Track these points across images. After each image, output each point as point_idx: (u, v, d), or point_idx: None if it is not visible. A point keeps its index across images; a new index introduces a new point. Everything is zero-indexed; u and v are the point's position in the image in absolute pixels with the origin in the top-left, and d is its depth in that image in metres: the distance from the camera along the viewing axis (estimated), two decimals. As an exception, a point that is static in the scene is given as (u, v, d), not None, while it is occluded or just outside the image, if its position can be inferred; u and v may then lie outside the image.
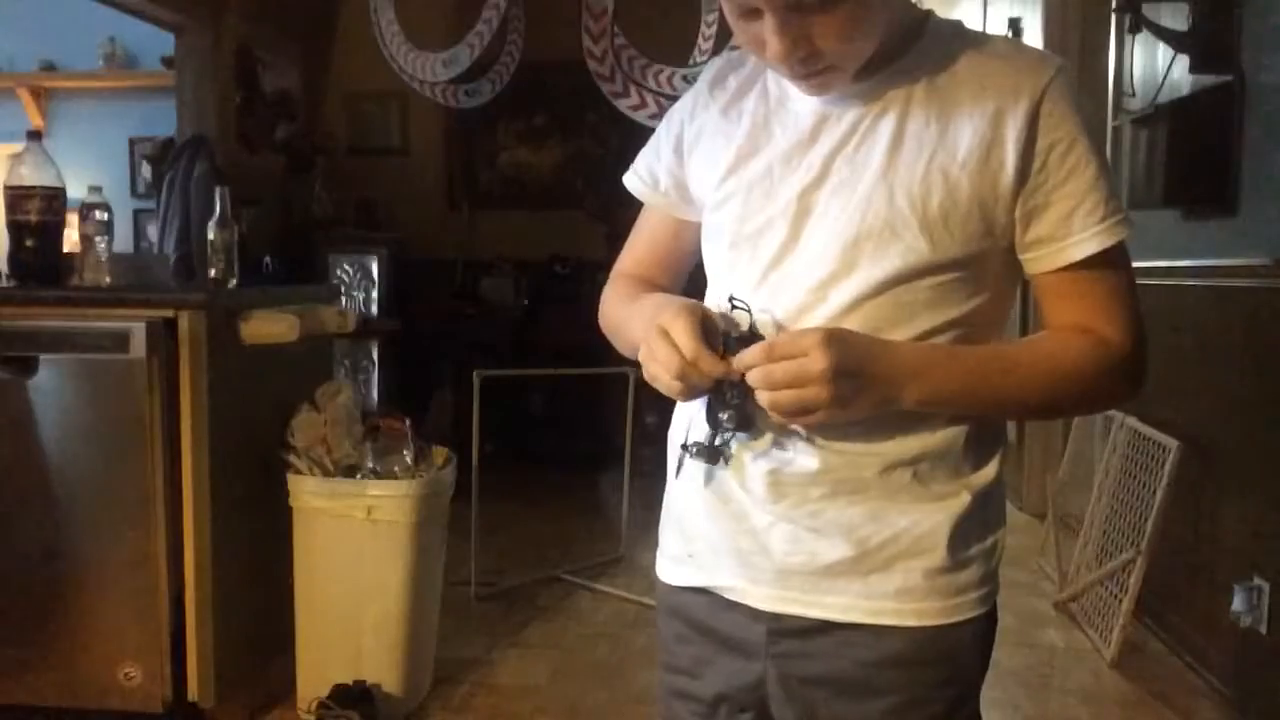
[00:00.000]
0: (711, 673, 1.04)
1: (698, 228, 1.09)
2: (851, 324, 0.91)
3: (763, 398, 0.88)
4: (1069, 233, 0.92)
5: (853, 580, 0.95)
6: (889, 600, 0.95)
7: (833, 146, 0.94)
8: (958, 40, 0.95)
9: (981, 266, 0.94)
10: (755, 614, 0.99)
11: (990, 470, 0.98)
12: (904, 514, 0.94)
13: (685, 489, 1.04)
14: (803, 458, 0.94)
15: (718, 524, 1.01)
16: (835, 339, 0.86)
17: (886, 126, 0.92)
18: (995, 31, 4.97)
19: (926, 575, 0.94)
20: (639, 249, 1.16)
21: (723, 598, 1.02)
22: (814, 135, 0.95)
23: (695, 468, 1.00)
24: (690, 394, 0.92)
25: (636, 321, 1.01)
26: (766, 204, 0.96)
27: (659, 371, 0.91)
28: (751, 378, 0.88)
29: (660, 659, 1.12)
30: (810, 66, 0.89)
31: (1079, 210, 0.92)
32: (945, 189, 0.90)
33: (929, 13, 0.97)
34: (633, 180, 1.14)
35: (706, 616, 1.04)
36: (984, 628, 0.99)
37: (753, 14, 0.87)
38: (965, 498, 0.96)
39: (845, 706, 0.98)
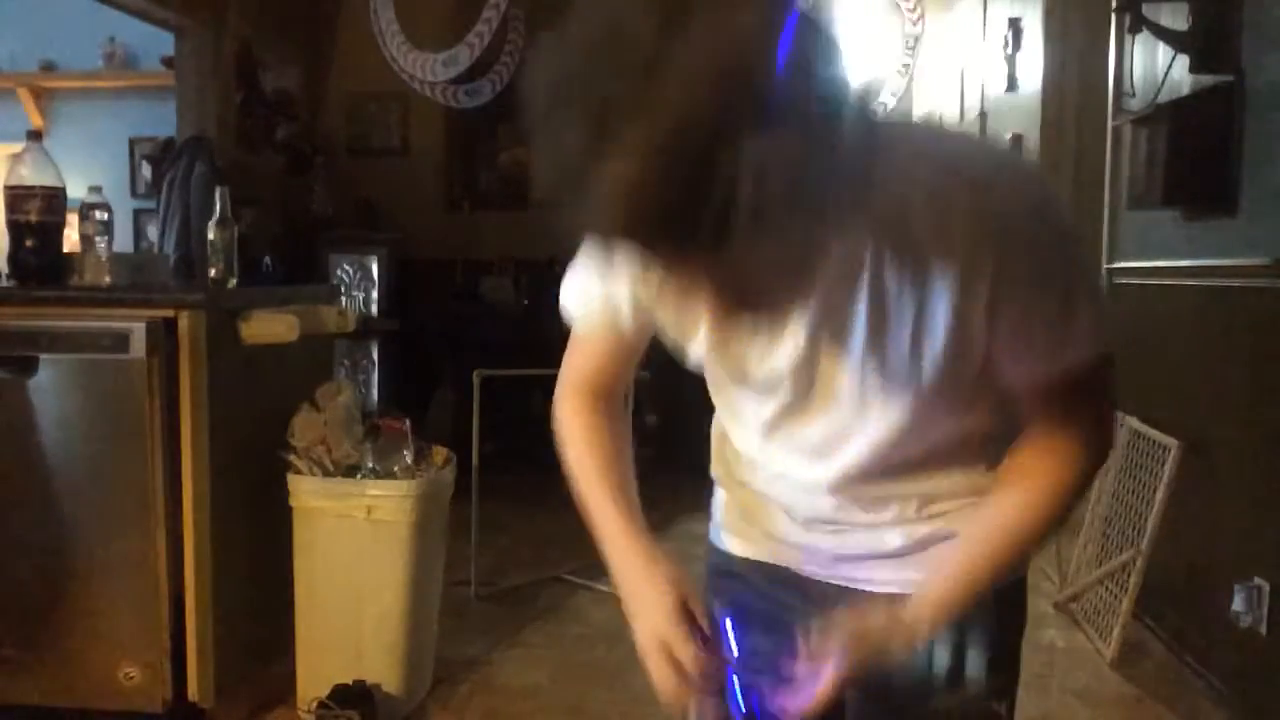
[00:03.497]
0: (773, 628, 1.07)
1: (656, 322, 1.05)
2: (867, 464, 0.96)
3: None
4: (1020, 356, 0.89)
5: (906, 559, 1.03)
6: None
7: (815, 322, 0.90)
8: (913, 160, 0.85)
9: (980, 388, 0.93)
10: (819, 583, 1.08)
11: None
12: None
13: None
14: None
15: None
16: (852, 659, 0.92)
17: (861, 300, 0.87)
18: (995, 32, 4.97)
19: None
20: (598, 358, 1.10)
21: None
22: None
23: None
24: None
25: (611, 549, 1.05)
26: (761, 366, 0.95)
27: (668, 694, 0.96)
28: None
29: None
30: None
31: (1042, 331, 0.88)
32: (933, 354, 0.88)
33: (874, 126, 0.77)
34: (583, 313, 1.05)
35: (769, 585, 1.11)
36: (1022, 585, 1.11)
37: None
38: None
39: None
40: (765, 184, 0.63)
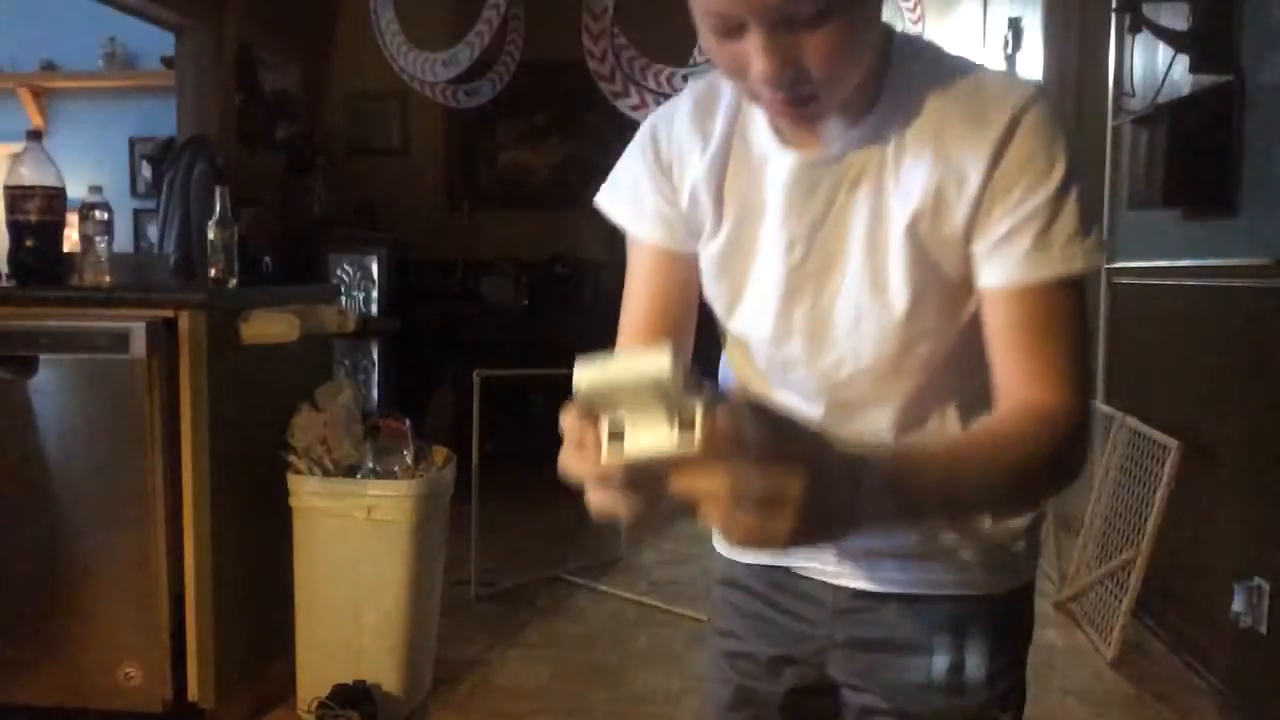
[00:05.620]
0: (772, 634, 1.08)
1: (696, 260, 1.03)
2: (862, 390, 0.95)
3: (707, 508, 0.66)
4: (1006, 255, 0.86)
5: (915, 560, 1.01)
6: (951, 573, 1.01)
7: (812, 224, 0.93)
8: (924, 72, 0.90)
9: (966, 326, 0.93)
10: (823, 585, 1.04)
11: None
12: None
13: None
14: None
15: None
16: (819, 487, 0.65)
17: (863, 205, 0.91)
18: (995, 32, 4.97)
19: (980, 555, 1.01)
20: (658, 286, 1.05)
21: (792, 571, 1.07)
22: (792, 208, 0.93)
23: None
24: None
25: None
26: (766, 270, 0.96)
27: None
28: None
29: (715, 625, 1.15)
30: (797, 91, 0.83)
31: (1022, 234, 0.85)
32: (932, 274, 0.89)
33: (891, 34, 0.91)
34: (633, 215, 1.05)
35: (770, 588, 1.08)
36: (1029, 592, 1.07)
37: (735, 31, 0.81)
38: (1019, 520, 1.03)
39: (905, 663, 1.02)
40: None
